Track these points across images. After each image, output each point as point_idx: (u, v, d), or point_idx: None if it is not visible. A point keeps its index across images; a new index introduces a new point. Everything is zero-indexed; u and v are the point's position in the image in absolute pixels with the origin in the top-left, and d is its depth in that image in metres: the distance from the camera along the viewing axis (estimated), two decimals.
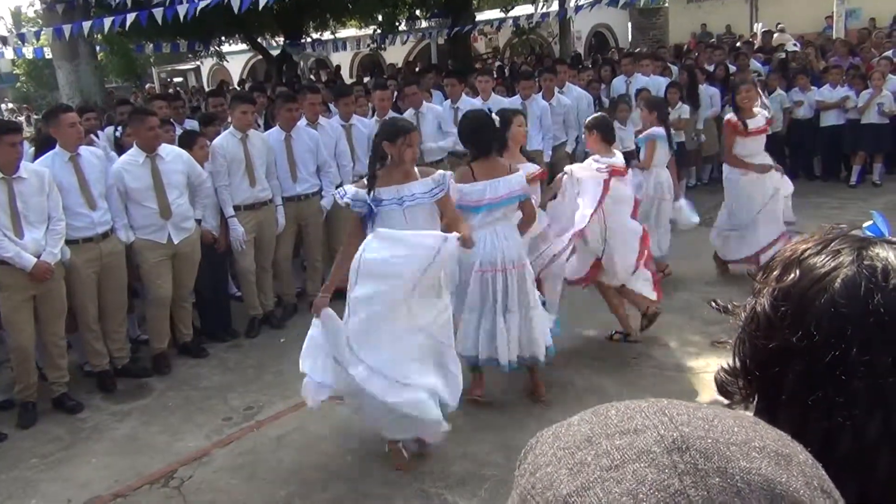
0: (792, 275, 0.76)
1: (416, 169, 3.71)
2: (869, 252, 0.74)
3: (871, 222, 0.82)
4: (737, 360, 0.80)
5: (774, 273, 0.78)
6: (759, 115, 5.86)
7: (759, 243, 5.69)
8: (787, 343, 0.73)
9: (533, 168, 4.58)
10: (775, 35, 14.78)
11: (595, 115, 5.29)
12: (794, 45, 13.40)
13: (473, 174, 3.98)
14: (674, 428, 0.47)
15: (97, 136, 5.83)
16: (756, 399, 0.78)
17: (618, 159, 4.73)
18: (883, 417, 0.68)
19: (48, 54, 11.66)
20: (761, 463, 0.45)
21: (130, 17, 9.04)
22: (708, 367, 4.50)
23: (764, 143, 5.87)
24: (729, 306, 0.86)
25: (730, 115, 6.02)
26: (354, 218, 3.72)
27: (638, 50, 11.72)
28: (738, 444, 0.46)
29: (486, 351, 4.07)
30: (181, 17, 9.17)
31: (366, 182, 3.68)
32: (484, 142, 4.05)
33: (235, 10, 9.03)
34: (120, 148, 5.86)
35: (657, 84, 8.53)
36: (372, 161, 3.73)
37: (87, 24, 9.15)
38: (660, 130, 5.74)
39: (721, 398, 0.84)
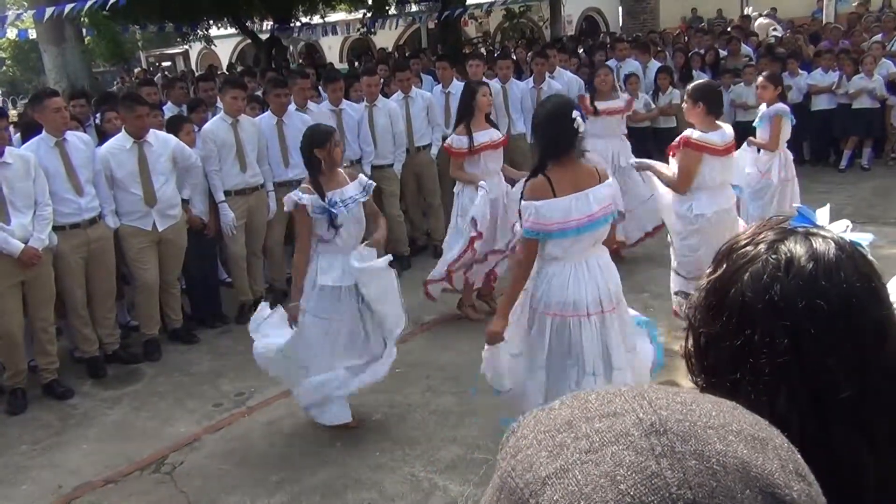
0: (721, 269, 0.86)
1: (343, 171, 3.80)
2: (780, 245, 0.82)
3: (797, 215, 0.91)
4: (688, 343, 0.91)
5: (713, 266, 0.88)
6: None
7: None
8: (712, 330, 0.84)
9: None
10: (758, 21, 14.75)
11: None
12: (775, 30, 13.37)
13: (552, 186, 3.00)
14: (652, 412, 0.48)
15: (85, 129, 5.73)
16: (702, 378, 0.88)
17: None
18: (787, 393, 0.77)
19: (33, 36, 11.48)
20: (737, 446, 0.46)
21: None
22: None
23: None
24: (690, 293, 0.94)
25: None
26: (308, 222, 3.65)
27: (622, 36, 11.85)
28: (714, 427, 0.47)
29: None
30: None
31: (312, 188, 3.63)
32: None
33: None
34: (102, 134, 5.79)
35: (647, 69, 8.52)
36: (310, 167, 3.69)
37: (69, 7, 9.01)
38: (784, 106, 5.16)
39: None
